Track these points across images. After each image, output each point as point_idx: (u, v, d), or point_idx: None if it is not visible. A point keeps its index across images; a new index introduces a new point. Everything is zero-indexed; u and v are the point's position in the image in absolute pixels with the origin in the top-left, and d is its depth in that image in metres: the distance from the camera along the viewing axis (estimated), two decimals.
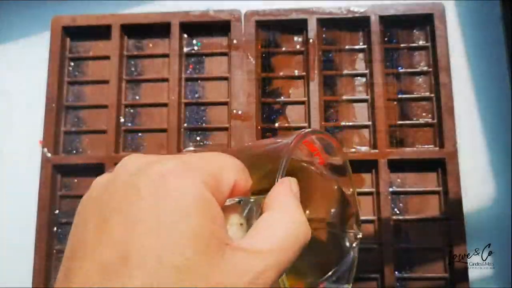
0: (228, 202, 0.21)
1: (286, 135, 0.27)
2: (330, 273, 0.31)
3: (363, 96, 0.45)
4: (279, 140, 0.26)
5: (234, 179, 0.21)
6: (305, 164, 0.31)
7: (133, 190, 0.19)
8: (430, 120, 0.44)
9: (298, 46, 0.46)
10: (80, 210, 0.21)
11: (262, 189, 0.23)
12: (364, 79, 0.45)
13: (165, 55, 0.46)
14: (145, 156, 0.22)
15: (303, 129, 0.27)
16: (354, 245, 0.33)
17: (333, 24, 0.46)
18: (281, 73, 0.46)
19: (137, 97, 0.46)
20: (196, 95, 0.46)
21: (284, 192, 0.22)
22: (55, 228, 0.43)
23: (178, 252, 0.18)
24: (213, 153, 0.22)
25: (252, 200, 0.22)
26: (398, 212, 0.42)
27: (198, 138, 0.45)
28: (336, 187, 0.33)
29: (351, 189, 0.33)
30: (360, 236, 0.33)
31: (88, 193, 0.22)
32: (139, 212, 0.19)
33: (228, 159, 0.22)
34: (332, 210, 0.33)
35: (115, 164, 0.45)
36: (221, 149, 0.27)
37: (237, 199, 0.22)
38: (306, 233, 0.21)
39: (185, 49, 0.46)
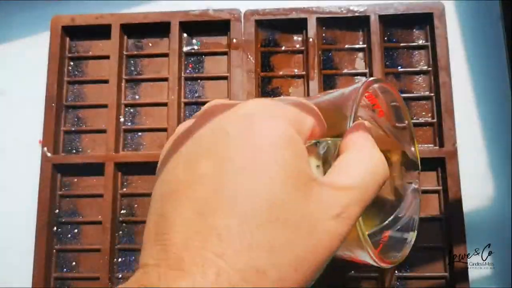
0: (308, 143, 0.22)
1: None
2: (393, 221, 0.32)
3: None
4: (344, 89, 0.27)
5: (313, 122, 0.22)
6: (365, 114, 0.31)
7: (221, 131, 0.20)
8: (429, 120, 0.44)
9: (297, 46, 0.46)
10: (167, 155, 0.21)
11: (334, 134, 0.23)
12: (364, 79, 0.45)
13: (165, 55, 0.46)
14: (226, 101, 0.22)
15: (367, 78, 0.28)
16: (416, 191, 0.34)
17: (333, 24, 0.46)
18: (280, 72, 0.46)
19: (136, 97, 0.46)
20: (196, 95, 0.46)
21: (360, 133, 0.22)
22: (55, 228, 0.43)
23: (270, 187, 0.18)
24: (293, 98, 0.23)
25: (329, 142, 0.22)
26: None
27: None
28: (395, 136, 0.33)
29: (409, 137, 0.32)
30: (418, 181, 0.33)
31: (172, 138, 0.22)
32: (229, 151, 0.19)
33: (307, 105, 0.22)
34: (392, 159, 0.33)
35: (115, 163, 0.45)
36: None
37: (314, 141, 0.22)
38: (385, 170, 0.21)
39: (185, 49, 0.46)
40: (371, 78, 0.28)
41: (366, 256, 0.24)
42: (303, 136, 0.21)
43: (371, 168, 0.21)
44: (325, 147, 0.23)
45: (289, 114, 0.21)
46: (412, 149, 0.34)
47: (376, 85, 0.28)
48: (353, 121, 0.23)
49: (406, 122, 0.32)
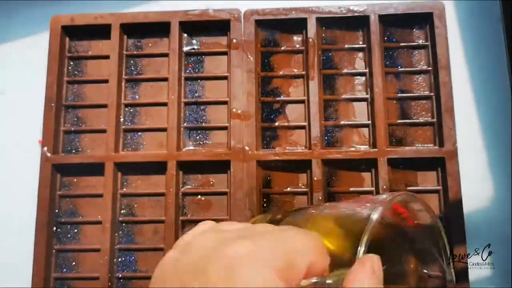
0: (304, 283, 0.21)
1: (374, 199, 0.25)
2: None
3: (363, 95, 0.45)
4: (364, 203, 0.26)
5: (309, 261, 0.21)
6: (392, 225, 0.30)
7: (202, 273, 0.20)
8: (429, 119, 0.44)
9: (297, 45, 0.46)
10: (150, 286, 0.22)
11: (343, 260, 0.22)
12: (363, 78, 0.45)
13: (165, 55, 0.46)
14: (217, 231, 0.22)
15: (392, 193, 0.26)
16: None
17: (332, 23, 0.46)
18: (280, 72, 0.46)
19: (136, 97, 0.46)
20: (196, 94, 0.46)
21: (364, 276, 0.21)
22: (54, 228, 0.43)
23: None
24: (289, 231, 0.22)
25: (329, 281, 0.21)
26: None
27: (198, 137, 0.45)
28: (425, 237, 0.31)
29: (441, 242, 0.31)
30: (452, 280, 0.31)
31: (158, 269, 0.22)
32: None
33: (304, 240, 0.22)
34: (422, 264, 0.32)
35: (115, 163, 0.45)
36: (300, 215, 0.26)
37: (314, 280, 0.21)
38: None
39: (185, 48, 0.46)
40: (397, 196, 0.26)
41: None
42: (294, 279, 0.20)
43: None
44: (324, 285, 0.21)
45: (278, 259, 0.20)
46: (446, 270, 0.31)
47: (401, 198, 0.27)
48: (365, 250, 0.22)
49: (440, 231, 0.30)
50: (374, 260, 0.22)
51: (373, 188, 0.42)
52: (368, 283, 0.21)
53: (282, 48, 0.46)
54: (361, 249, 0.22)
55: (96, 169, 0.44)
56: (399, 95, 0.44)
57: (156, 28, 0.46)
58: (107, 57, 0.46)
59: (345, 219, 0.27)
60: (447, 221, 0.41)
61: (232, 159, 0.43)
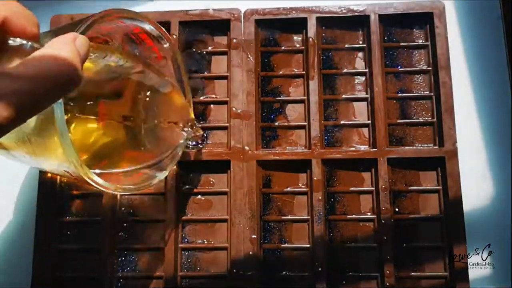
0: (11, 43, 0.22)
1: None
2: (152, 162, 0.34)
3: (363, 94, 0.45)
4: None
5: (4, 15, 0.22)
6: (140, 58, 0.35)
7: None
8: (429, 119, 0.44)
9: (297, 45, 0.46)
10: None
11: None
12: (363, 78, 0.45)
13: None
14: None
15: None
16: (182, 141, 0.37)
17: (332, 23, 0.46)
18: (280, 72, 0.46)
19: None
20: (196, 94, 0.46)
21: (63, 38, 0.22)
22: (55, 228, 0.43)
23: None
24: None
25: (36, 45, 0.22)
26: (397, 210, 0.42)
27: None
28: (169, 89, 0.36)
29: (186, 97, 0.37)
30: (190, 135, 0.37)
31: None
32: None
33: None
34: (163, 108, 0.36)
35: None
36: None
37: (23, 42, 0.22)
38: (69, 73, 0.21)
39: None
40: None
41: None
42: None
43: (51, 66, 0.21)
44: (15, 47, 0.22)
45: None
46: (186, 104, 0.37)
47: (146, 26, 0.32)
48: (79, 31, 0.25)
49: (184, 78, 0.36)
50: (80, 36, 0.23)
51: (373, 188, 0.42)
52: (65, 43, 0.22)
53: (282, 48, 0.46)
54: (80, 28, 0.26)
55: None
56: (399, 95, 0.44)
57: None
58: None
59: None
60: (447, 221, 0.41)
61: (232, 159, 0.43)
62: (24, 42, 0.22)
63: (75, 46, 0.22)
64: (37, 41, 0.23)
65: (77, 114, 0.33)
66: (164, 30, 0.35)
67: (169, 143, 0.37)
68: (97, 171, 0.32)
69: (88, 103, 0.34)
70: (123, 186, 0.32)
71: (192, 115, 0.37)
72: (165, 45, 0.35)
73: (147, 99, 0.36)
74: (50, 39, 0.23)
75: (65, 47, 0.22)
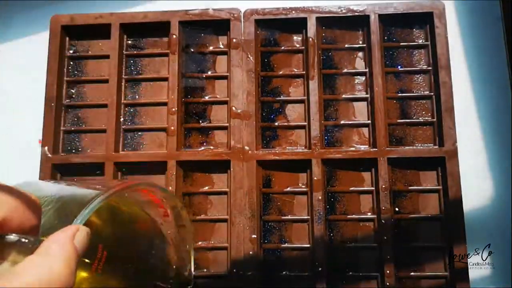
0: (10, 239, 0.21)
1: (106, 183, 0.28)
2: None
3: (363, 94, 0.45)
4: (99, 186, 0.28)
5: (2, 216, 0.21)
6: (143, 212, 0.35)
7: None
8: (429, 119, 0.44)
9: (297, 45, 0.46)
10: None
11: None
12: (363, 78, 0.45)
13: (165, 54, 0.46)
14: None
15: (131, 181, 0.29)
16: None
17: (332, 23, 0.46)
18: (280, 72, 0.46)
19: (136, 96, 0.46)
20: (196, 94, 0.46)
21: (60, 239, 0.21)
22: None
23: None
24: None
25: (24, 240, 0.21)
26: (397, 210, 0.42)
27: (197, 137, 0.45)
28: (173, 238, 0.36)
29: (187, 245, 0.36)
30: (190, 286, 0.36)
31: None
32: None
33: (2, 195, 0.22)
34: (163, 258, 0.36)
35: (115, 163, 0.45)
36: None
37: (22, 240, 0.21)
38: (60, 283, 0.20)
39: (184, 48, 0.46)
40: (133, 184, 0.30)
41: None
42: None
43: (43, 277, 0.20)
44: (24, 244, 0.21)
45: None
46: (188, 253, 0.36)
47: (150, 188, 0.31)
48: (82, 221, 0.24)
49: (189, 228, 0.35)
50: (81, 229, 0.22)
51: (373, 188, 0.42)
52: (62, 245, 0.21)
53: (282, 47, 0.46)
54: (77, 221, 0.24)
55: (96, 169, 0.44)
56: (399, 94, 0.44)
57: (156, 27, 0.46)
58: (107, 57, 0.46)
59: (77, 198, 0.29)
60: (447, 221, 0.41)
61: (232, 159, 0.43)
62: (23, 239, 0.21)
63: (72, 247, 0.21)
64: (35, 234, 0.22)
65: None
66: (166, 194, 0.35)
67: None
68: None
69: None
70: None
71: (192, 264, 0.37)
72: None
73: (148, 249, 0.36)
74: (53, 214, 0.23)
75: (60, 253, 0.21)
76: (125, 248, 0.35)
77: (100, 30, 0.46)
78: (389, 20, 0.45)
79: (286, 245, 0.42)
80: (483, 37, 0.46)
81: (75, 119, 0.46)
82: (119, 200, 0.34)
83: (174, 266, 0.36)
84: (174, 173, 0.42)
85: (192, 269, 0.36)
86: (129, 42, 0.47)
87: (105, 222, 0.34)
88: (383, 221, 0.41)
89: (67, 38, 0.47)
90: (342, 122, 0.44)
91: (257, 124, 0.44)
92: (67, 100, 0.46)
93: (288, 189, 0.43)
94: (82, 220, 0.24)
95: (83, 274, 0.32)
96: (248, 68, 0.44)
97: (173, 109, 0.44)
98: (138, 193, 0.33)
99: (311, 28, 0.45)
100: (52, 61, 0.45)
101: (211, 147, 0.44)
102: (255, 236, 0.41)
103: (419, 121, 0.44)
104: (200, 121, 0.45)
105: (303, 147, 0.44)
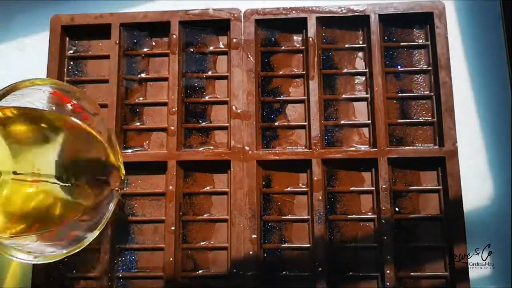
0: None
1: None
2: (81, 219, 0.35)
3: (363, 94, 0.45)
4: None
5: None
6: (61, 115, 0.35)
7: None
8: (430, 119, 0.44)
9: (297, 45, 0.46)
10: None
11: None
12: (363, 78, 0.45)
13: (165, 54, 0.46)
14: None
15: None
16: (111, 200, 0.36)
17: (332, 23, 0.46)
18: (280, 72, 0.46)
19: (137, 96, 0.46)
20: (196, 94, 0.46)
21: None
22: None
23: None
24: None
25: None
26: (398, 210, 0.42)
27: (198, 137, 0.45)
28: (89, 141, 0.36)
29: (107, 147, 0.36)
30: (118, 192, 0.36)
31: None
32: None
33: None
34: (87, 165, 0.37)
35: None
36: None
37: None
38: None
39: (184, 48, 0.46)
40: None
41: None
42: None
43: None
44: None
45: None
46: (112, 155, 0.36)
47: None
48: None
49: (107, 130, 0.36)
50: None
51: (373, 188, 0.42)
52: None
53: (282, 47, 0.46)
54: None
55: None
56: (399, 94, 0.44)
57: (156, 27, 0.46)
58: (107, 57, 0.46)
59: None
60: (447, 221, 0.41)
61: (232, 159, 0.43)
62: None
63: None
64: None
65: (12, 178, 0.33)
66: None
67: (100, 202, 0.37)
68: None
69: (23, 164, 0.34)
70: (47, 255, 0.33)
71: (123, 172, 0.37)
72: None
73: (78, 155, 0.37)
74: None
75: None
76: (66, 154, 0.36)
77: (100, 30, 0.46)
78: (389, 20, 0.45)
79: (286, 245, 0.42)
80: (483, 37, 0.46)
81: None
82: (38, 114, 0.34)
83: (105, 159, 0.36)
84: (175, 173, 0.42)
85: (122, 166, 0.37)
86: (129, 42, 0.47)
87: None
88: (383, 221, 0.41)
89: (67, 38, 0.47)
90: (342, 122, 0.44)
91: (257, 124, 0.44)
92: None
93: (288, 189, 0.43)
94: None
95: (27, 190, 0.33)
96: (248, 68, 0.44)
97: (173, 109, 0.44)
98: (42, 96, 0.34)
99: (311, 28, 0.45)
100: (52, 61, 0.45)
101: (211, 147, 0.44)
102: (255, 236, 0.41)
103: (419, 121, 0.44)
104: (200, 121, 0.45)
105: (303, 147, 0.44)
